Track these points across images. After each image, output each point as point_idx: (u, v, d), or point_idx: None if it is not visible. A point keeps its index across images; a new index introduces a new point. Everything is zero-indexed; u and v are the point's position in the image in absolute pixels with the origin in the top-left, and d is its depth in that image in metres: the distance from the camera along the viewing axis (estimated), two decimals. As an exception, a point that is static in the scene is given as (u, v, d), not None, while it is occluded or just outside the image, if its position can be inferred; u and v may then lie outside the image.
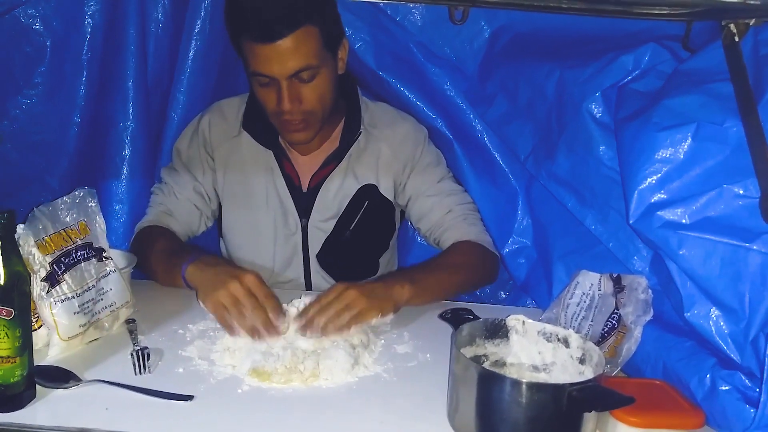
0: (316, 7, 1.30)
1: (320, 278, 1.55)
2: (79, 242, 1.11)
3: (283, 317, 1.14)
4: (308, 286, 1.55)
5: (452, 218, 1.49)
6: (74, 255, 1.10)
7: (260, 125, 1.47)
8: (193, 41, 1.50)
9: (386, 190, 1.53)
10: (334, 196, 1.50)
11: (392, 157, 1.51)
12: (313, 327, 1.12)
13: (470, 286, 1.43)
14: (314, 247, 1.53)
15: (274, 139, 1.49)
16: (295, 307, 1.19)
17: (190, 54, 1.50)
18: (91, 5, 1.43)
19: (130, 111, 1.44)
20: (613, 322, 1.10)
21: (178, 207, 1.49)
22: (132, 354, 1.05)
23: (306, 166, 1.51)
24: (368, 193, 1.52)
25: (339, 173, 1.50)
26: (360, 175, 1.51)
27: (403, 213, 1.60)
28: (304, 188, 1.51)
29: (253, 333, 1.10)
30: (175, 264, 1.28)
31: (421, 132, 1.55)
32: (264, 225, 1.51)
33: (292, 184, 1.50)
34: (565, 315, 1.17)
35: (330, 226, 1.52)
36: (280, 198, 1.50)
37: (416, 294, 1.26)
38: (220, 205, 1.55)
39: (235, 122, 1.51)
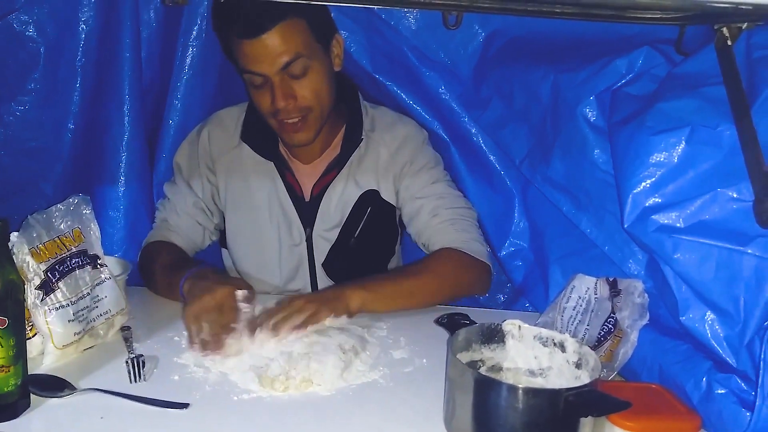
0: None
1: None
2: (74, 250, 1.11)
3: (231, 331, 1.13)
4: None
5: (439, 222, 1.45)
6: (69, 262, 1.09)
7: (259, 136, 1.46)
8: (190, 47, 1.50)
9: (388, 195, 1.51)
10: (337, 205, 1.49)
11: (391, 161, 1.49)
12: (263, 327, 1.13)
13: (447, 295, 1.37)
14: (320, 257, 1.51)
15: (274, 150, 1.48)
16: None
17: (187, 60, 1.51)
18: (85, 11, 1.42)
19: (125, 117, 1.44)
20: (610, 326, 1.10)
21: (180, 223, 1.48)
22: (127, 362, 1.05)
23: (307, 175, 1.50)
24: (370, 199, 1.50)
25: (340, 181, 1.48)
26: (361, 181, 1.49)
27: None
28: (307, 198, 1.49)
29: (203, 347, 1.10)
30: (175, 279, 1.29)
31: (420, 134, 1.53)
32: (268, 236, 1.50)
33: (294, 194, 1.49)
34: (561, 319, 1.17)
35: (334, 234, 1.50)
36: (283, 209, 1.49)
37: (370, 299, 1.27)
38: (223, 218, 1.54)
39: (234, 132, 1.49)
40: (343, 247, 1.51)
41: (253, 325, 1.14)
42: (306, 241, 1.50)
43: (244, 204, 1.50)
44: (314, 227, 1.50)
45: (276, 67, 1.29)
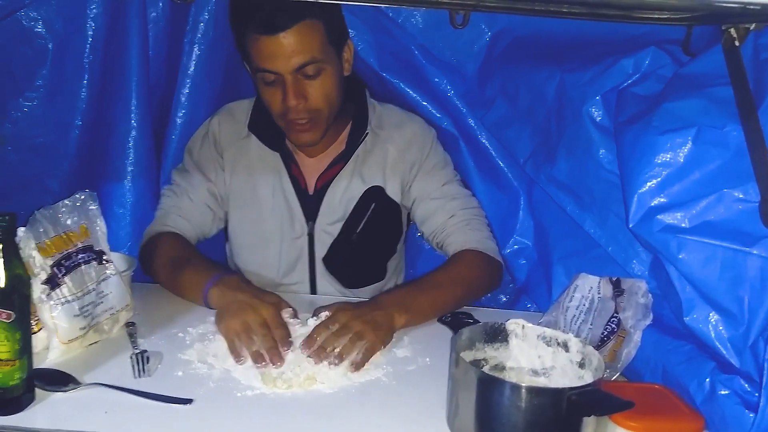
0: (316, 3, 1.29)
1: (325, 282, 1.54)
2: (80, 245, 1.11)
3: (290, 346, 1.11)
4: (313, 290, 1.54)
5: (455, 223, 1.46)
6: (75, 258, 1.10)
7: (266, 127, 1.47)
8: (197, 45, 1.50)
9: (393, 192, 1.51)
10: (341, 199, 1.49)
11: (399, 158, 1.50)
12: (326, 355, 1.09)
13: (471, 298, 1.39)
14: (320, 251, 1.52)
15: (281, 141, 1.48)
16: (306, 324, 1.19)
17: (194, 57, 1.51)
18: (93, 8, 1.43)
19: (133, 114, 1.44)
20: (613, 326, 1.10)
21: (191, 208, 1.48)
22: (131, 357, 1.05)
23: (312, 168, 1.50)
24: (375, 195, 1.50)
25: (345, 175, 1.48)
26: (367, 176, 1.49)
27: (410, 215, 1.58)
28: (311, 191, 1.50)
29: (257, 358, 1.08)
30: (195, 282, 1.28)
31: (429, 133, 1.54)
32: (270, 228, 1.51)
33: (298, 186, 1.49)
34: (565, 318, 1.17)
35: (336, 229, 1.50)
36: (287, 201, 1.50)
37: (411, 319, 1.24)
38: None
39: (244, 124, 1.51)
40: (345, 242, 1.51)
41: (309, 344, 1.11)
42: (308, 234, 1.51)
43: (248, 195, 1.50)
44: (316, 221, 1.50)
45: (291, 67, 1.29)
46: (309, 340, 1.12)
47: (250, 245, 1.54)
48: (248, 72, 1.41)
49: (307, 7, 1.27)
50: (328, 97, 1.36)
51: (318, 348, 1.10)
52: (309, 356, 1.09)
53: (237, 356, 1.09)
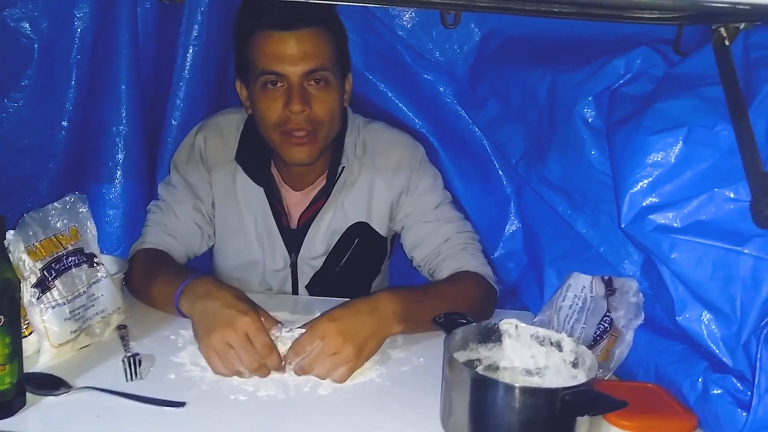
0: (333, 17, 1.32)
1: None
2: (70, 248, 1.11)
3: (279, 360, 1.06)
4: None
5: (450, 247, 1.40)
6: (65, 261, 1.09)
7: (253, 158, 1.44)
8: (191, 46, 1.48)
9: (380, 225, 1.48)
10: (323, 235, 1.46)
11: (386, 188, 1.45)
12: (305, 372, 1.06)
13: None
14: (303, 280, 1.50)
15: (266, 175, 1.45)
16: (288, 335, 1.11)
17: (188, 59, 1.49)
18: (81, 8, 1.40)
19: (123, 115, 1.41)
20: (605, 325, 1.10)
21: (178, 226, 1.43)
22: (123, 360, 1.04)
23: (296, 204, 1.47)
24: (359, 230, 1.47)
25: (328, 209, 1.45)
26: (350, 212, 1.46)
27: (394, 236, 1.56)
28: (293, 226, 1.47)
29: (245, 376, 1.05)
30: (166, 292, 1.20)
31: (416, 154, 1.48)
32: (254, 257, 1.48)
33: (280, 222, 1.46)
34: (558, 317, 1.17)
35: (319, 262, 1.48)
36: (270, 234, 1.47)
37: (409, 328, 1.16)
38: None
39: (233, 144, 1.46)
40: (328, 274, 1.49)
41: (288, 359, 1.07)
42: (290, 266, 1.49)
43: (233, 221, 1.47)
44: (299, 254, 1.47)
45: (301, 69, 1.27)
46: (289, 356, 1.06)
47: (235, 270, 1.51)
48: (237, 90, 1.41)
49: (322, 15, 1.28)
50: (331, 112, 1.33)
51: (299, 369, 1.06)
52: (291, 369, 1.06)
53: (226, 375, 1.05)
